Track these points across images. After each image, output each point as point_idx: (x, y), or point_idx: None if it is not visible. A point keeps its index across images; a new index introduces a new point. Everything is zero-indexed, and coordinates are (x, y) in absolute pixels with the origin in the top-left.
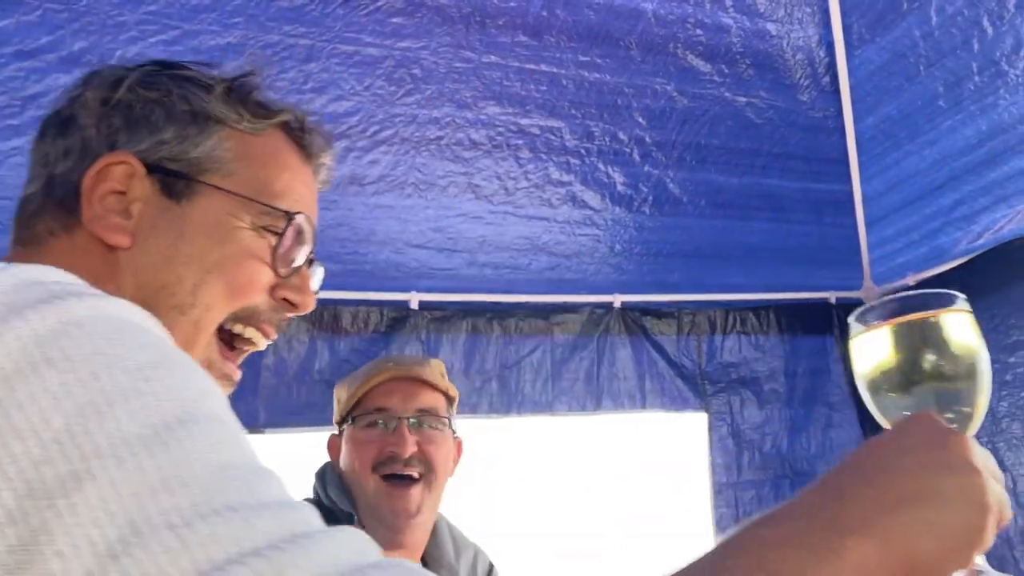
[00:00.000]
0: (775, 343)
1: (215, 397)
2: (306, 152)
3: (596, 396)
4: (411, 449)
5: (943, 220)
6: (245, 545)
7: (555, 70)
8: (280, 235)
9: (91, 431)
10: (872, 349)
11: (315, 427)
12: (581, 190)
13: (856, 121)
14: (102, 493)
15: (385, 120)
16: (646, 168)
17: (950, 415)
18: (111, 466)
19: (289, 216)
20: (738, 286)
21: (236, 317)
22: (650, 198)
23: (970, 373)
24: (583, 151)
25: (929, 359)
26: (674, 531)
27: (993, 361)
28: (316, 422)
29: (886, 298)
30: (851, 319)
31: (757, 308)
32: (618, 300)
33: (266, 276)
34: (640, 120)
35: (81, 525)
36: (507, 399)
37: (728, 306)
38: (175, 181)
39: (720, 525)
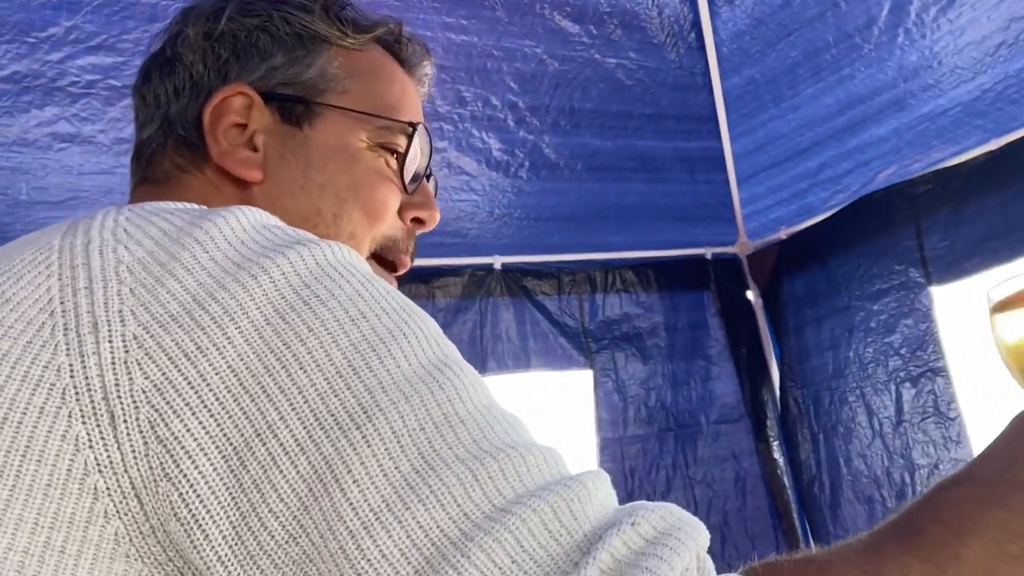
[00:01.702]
0: (655, 299)
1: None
2: (407, 63)
3: (481, 358)
4: None
5: (810, 181)
6: (528, 483)
7: (421, 32)
8: (403, 151)
9: (373, 368)
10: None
11: None
12: (456, 156)
13: (723, 79)
14: (393, 426)
15: None
16: (521, 133)
17: None
18: (398, 401)
19: (412, 127)
20: (617, 245)
21: (378, 250)
22: (527, 163)
23: None
24: (456, 116)
25: None
26: None
27: (859, 309)
28: None
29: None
30: (990, 293)
31: (636, 266)
32: (498, 261)
33: (396, 196)
34: (512, 84)
35: (376, 456)
36: None
37: (607, 264)
38: (294, 106)
39: None
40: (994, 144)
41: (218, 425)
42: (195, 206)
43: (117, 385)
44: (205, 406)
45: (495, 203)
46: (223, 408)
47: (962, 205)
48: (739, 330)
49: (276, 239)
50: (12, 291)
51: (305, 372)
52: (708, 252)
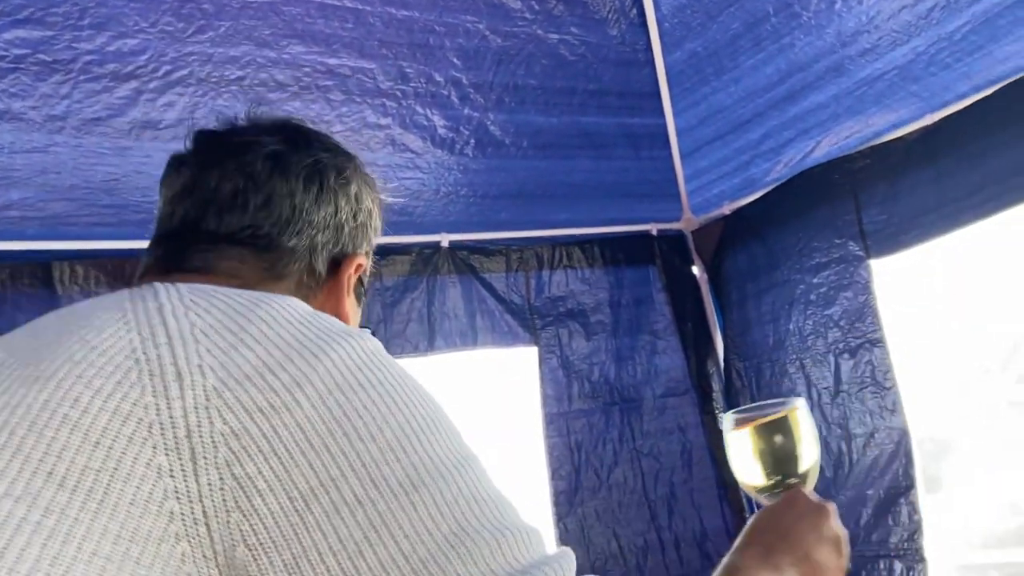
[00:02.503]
0: (600, 276)
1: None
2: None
3: (428, 336)
4: None
5: (752, 153)
6: (531, 555)
7: (360, 6)
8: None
9: (416, 449)
10: (741, 444)
11: None
12: (400, 133)
13: (665, 55)
14: (434, 498)
15: (178, 59)
16: (466, 111)
17: (794, 480)
18: (437, 479)
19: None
20: (563, 222)
21: None
22: (472, 140)
23: (810, 452)
24: (399, 93)
25: (782, 447)
26: (509, 463)
27: (798, 282)
28: None
29: (748, 406)
30: (724, 420)
31: (583, 243)
32: (446, 239)
33: None
34: (455, 60)
35: (422, 519)
36: None
37: (554, 241)
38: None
39: (552, 454)
40: (929, 119)
41: (286, 471)
42: (246, 291)
43: (199, 426)
44: (276, 454)
45: (441, 181)
46: (291, 458)
47: (899, 179)
48: (684, 305)
49: (329, 327)
50: (97, 341)
51: (363, 442)
52: (654, 228)
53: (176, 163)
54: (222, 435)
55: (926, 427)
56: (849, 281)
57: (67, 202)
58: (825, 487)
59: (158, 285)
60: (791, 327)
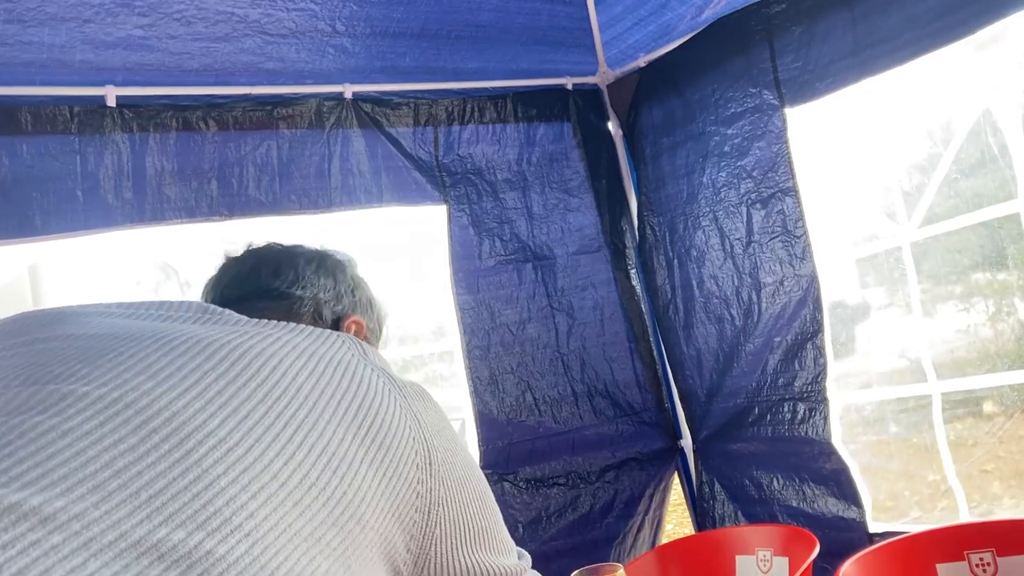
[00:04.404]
0: (512, 131)
1: None
2: None
3: (326, 193)
4: None
5: None
6: (521, 566)
7: None
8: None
9: (487, 500)
10: None
11: None
12: None
13: None
14: (499, 532)
15: None
16: None
17: None
18: (495, 521)
19: None
20: (474, 72)
21: None
22: None
23: None
24: None
25: None
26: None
27: (713, 134)
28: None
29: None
30: None
31: (495, 96)
32: (349, 90)
33: None
34: None
35: (496, 543)
36: (229, 200)
37: (465, 95)
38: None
39: (464, 310)
40: None
41: (458, 505)
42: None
43: (431, 462)
44: (454, 488)
45: (336, 14)
46: (459, 496)
47: (815, 24)
48: (599, 162)
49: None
50: (392, 425)
51: (477, 493)
52: (569, 82)
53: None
54: (438, 465)
55: (836, 292)
56: (763, 131)
57: None
58: (735, 335)
59: (382, 377)
60: (704, 179)
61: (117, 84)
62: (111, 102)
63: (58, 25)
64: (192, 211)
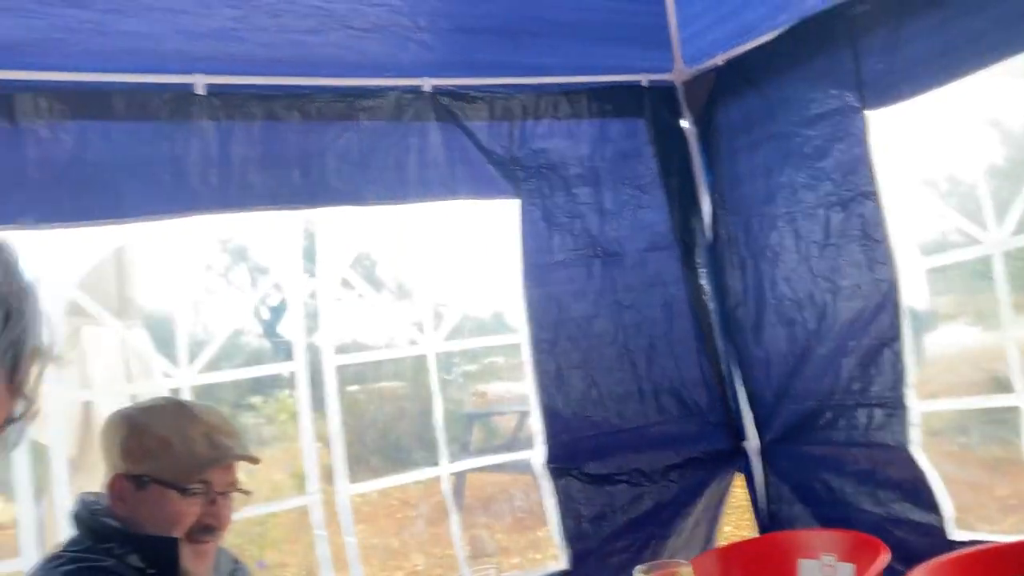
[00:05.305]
0: (586, 127)
1: None
2: None
3: (405, 185)
4: (227, 523)
5: None
6: None
7: None
8: None
9: None
10: None
11: (92, 222)
12: None
13: None
14: None
15: None
16: None
17: None
18: None
19: None
20: (550, 68)
21: None
22: None
23: None
24: None
25: None
26: (502, 312)
27: (793, 135)
28: (93, 216)
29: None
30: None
31: (570, 92)
32: (428, 83)
33: None
34: None
35: None
36: (310, 189)
37: (541, 90)
38: None
39: (532, 305)
40: None
41: None
42: None
43: None
44: None
45: (418, 10)
46: None
47: (900, 26)
48: (671, 159)
49: None
50: None
51: None
52: (644, 79)
53: None
54: None
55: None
56: (844, 133)
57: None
58: (807, 338)
59: None
60: (783, 180)
61: (206, 73)
62: (200, 90)
63: (154, 15)
64: (274, 199)
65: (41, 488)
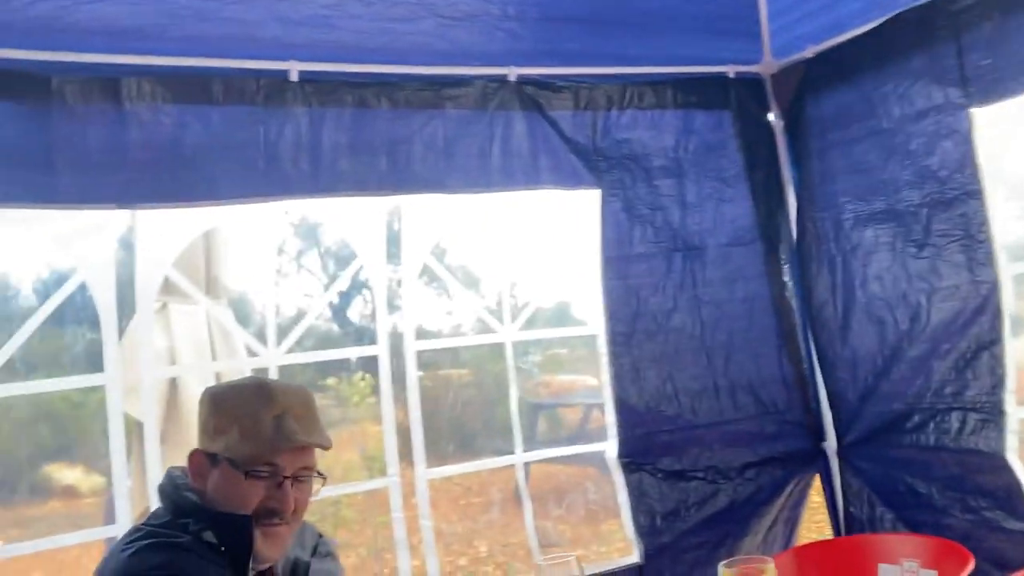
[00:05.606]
0: (671, 118)
1: None
2: None
3: (488, 173)
4: (291, 507)
5: None
6: None
7: None
8: None
9: None
10: None
11: (189, 202)
12: None
13: None
14: None
15: None
16: None
17: None
18: None
19: None
20: (636, 58)
21: None
22: None
23: None
24: None
25: None
26: (567, 303)
27: (893, 132)
28: (190, 197)
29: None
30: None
31: (655, 83)
32: (513, 73)
33: None
34: None
35: None
36: (397, 176)
37: (625, 80)
38: None
39: (610, 296)
40: None
41: None
42: None
43: None
44: None
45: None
46: None
47: (1006, 19)
48: (757, 153)
49: None
50: None
51: None
52: (731, 71)
53: None
54: None
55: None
56: (948, 130)
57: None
58: (898, 339)
59: None
60: (884, 177)
61: (300, 59)
62: (294, 77)
63: (253, 3)
64: (362, 185)
65: (133, 460)
